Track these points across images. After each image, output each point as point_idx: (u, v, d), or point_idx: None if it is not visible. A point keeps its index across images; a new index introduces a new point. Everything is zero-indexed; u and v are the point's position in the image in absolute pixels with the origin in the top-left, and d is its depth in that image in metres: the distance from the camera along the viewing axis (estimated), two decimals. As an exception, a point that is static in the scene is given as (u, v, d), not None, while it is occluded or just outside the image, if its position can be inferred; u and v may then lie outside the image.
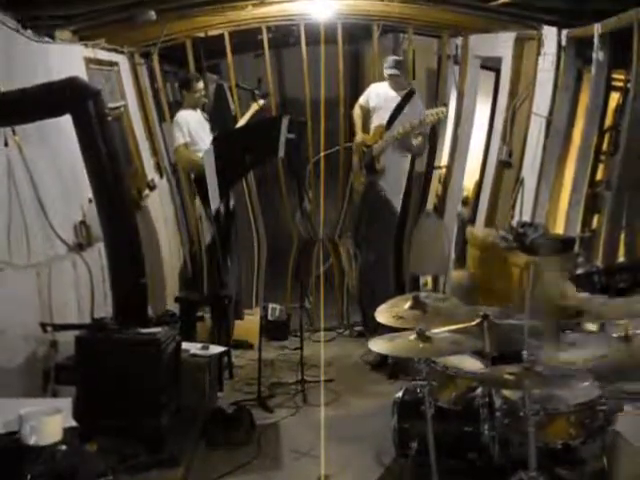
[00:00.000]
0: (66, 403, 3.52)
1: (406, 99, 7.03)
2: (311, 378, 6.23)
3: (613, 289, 4.50)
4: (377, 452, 4.73)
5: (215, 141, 6.04)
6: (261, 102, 7.18)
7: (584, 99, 5.84)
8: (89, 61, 5.88)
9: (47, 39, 5.00)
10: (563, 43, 5.81)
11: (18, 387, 4.08)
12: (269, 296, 8.13)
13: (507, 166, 6.80)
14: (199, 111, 7.05)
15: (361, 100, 7.35)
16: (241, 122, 7.26)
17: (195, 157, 6.66)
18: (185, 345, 5.14)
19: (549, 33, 5.96)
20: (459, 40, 7.84)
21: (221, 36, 7.28)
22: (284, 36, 7.80)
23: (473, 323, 3.96)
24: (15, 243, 4.21)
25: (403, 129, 6.87)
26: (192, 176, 7.10)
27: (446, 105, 7.60)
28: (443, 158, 8.45)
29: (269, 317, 7.86)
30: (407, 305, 4.16)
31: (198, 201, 7.15)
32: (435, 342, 3.78)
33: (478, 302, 5.96)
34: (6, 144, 4.19)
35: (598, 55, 5.33)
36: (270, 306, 7.94)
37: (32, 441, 2.97)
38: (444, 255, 7.21)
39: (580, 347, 3.97)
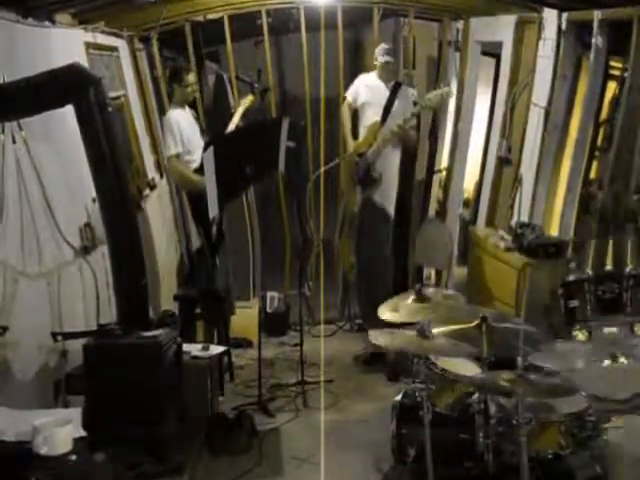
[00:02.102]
0: (76, 413, 3.79)
1: (395, 91, 6.95)
2: (311, 379, 6.45)
3: (600, 299, 4.78)
4: (376, 459, 4.97)
5: (213, 146, 5.64)
6: (250, 97, 7.08)
7: (582, 88, 6.06)
8: (89, 46, 6.01)
9: (47, 23, 5.13)
10: (563, 27, 5.99)
11: (31, 398, 4.29)
12: (267, 283, 8.27)
13: (506, 163, 7.00)
14: (187, 109, 6.93)
15: (349, 97, 7.26)
16: (234, 119, 7.13)
17: (188, 172, 6.62)
18: (185, 347, 5.25)
19: (549, 16, 6.14)
20: (460, 24, 8.01)
21: (220, 20, 7.40)
22: (283, 21, 7.88)
23: (472, 325, 4.17)
24: (28, 251, 4.41)
25: (404, 120, 6.70)
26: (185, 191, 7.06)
27: (449, 84, 7.52)
28: (443, 159, 8.63)
29: (268, 309, 7.97)
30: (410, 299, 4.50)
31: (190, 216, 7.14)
32: (435, 342, 4.03)
33: (478, 300, 6.38)
34: (14, 141, 4.33)
35: (597, 41, 5.52)
36: (268, 295, 8.04)
37: (44, 451, 3.24)
38: (447, 252, 7.30)
39: (570, 357, 4.37)
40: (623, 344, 4.50)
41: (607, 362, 4.32)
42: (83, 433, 3.59)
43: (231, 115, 7.35)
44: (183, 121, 6.71)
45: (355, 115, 7.33)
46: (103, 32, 6.38)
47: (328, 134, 7.72)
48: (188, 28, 7.48)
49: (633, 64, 5.10)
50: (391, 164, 7.04)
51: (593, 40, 5.56)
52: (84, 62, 5.60)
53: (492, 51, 7.87)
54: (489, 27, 7.54)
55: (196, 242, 7.20)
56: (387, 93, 6.95)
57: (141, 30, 7.38)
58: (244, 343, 7.52)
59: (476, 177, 8.58)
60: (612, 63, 5.74)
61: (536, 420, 3.97)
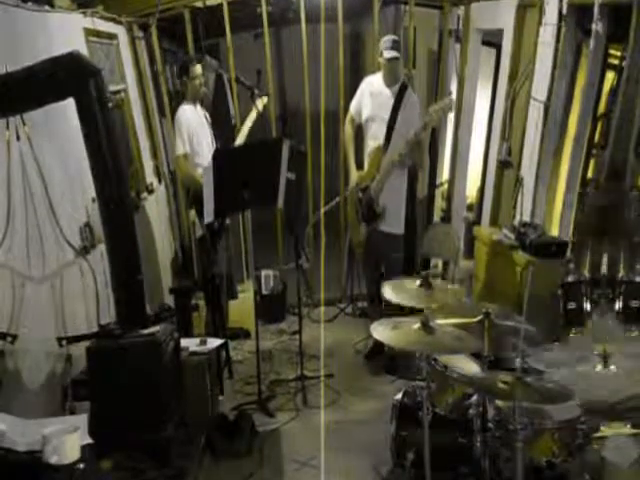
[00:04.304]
0: (82, 420, 3.90)
1: (400, 97, 6.67)
2: (311, 373, 6.56)
3: (596, 303, 5.00)
4: (375, 462, 5.10)
5: (213, 161, 5.78)
6: (260, 107, 7.02)
7: (581, 79, 6.20)
8: (88, 32, 6.07)
9: (47, 7, 5.16)
10: (564, 11, 6.11)
11: (40, 406, 4.37)
12: (260, 260, 8.19)
13: (507, 166, 7.18)
14: (199, 107, 6.96)
15: (352, 109, 7.04)
16: (243, 131, 7.12)
17: (194, 173, 6.64)
18: (183, 342, 5.29)
19: (551, 0, 6.29)
20: (461, 10, 8.10)
21: (220, 9, 7.46)
22: (283, 11, 7.96)
23: (474, 320, 4.28)
24: (33, 254, 4.47)
25: (406, 144, 6.43)
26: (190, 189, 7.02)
27: (451, 93, 7.45)
28: (444, 169, 8.75)
29: (263, 290, 8.05)
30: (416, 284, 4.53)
31: (193, 211, 7.18)
32: (438, 335, 4.02)
33: (483, 295, 6.60)
34: (18, 138, 4.37)
35: (597, 26, 5.62)
36: (263, 274, 8.13)
37: (54, 460, 3.35)
38: (454, 247, 7.50)
39: (565, 360, 4.60)
40: (614, 351, 4.65)
41: (599, 367, 4.54)
42: (90, 440, 3.70)
43: (233, 127, 7.45)
44: (194, 121, 6.82)
45: (360, 128, 7.08)
46: (102, 17, 6.45)
47: (329, 142, 7.84)
48: (187, 15, 7.56)
49: (632, 51, 5.25)
50: (397, 191, 6.83)
51: (593, 26, 5.66)
52: (84, 50, 5.70)
53: (493, 40, 8.04)
54: (490, 13, 7.66)
55: (198, 231, 7.30)
56: (392, 101, 6.69)
57: (140, 16, 7.44)
58: (241, 333, 7.62)
59: (478, 183, 8.81)
60: (611, 51, 5.91)
61: (531, 426, 4.08)
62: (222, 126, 7.53)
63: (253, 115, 7.12)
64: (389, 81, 6.77)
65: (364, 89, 6.98)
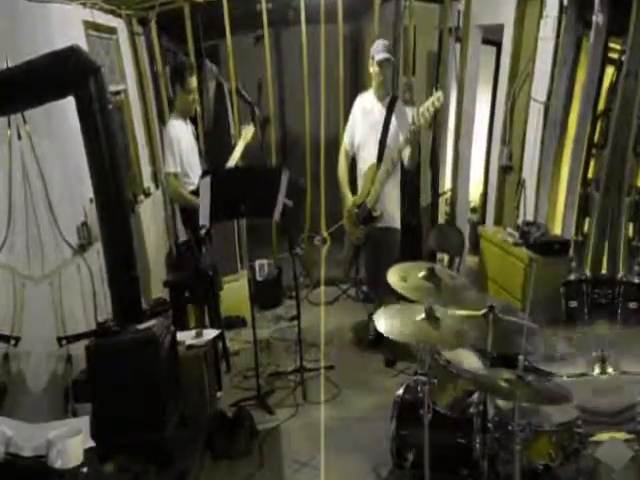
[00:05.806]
0: (84, 422, 3.87)
1: (390, 110, 6.60)
2: (310, 364, 6.52)
3: (596, 302, 5.01)
4: (375, 462, 5.10)
5: (211, 177, 5.62)
6: (251, 129, 6.99)
7: (581, 76, 6.19)
8: (88, 25, 5.99)
9: None
10: (565, 2, 6.09)
11: (44, 409, 4.34)
12: (254, 253, 8.24)
13: (508, 170, 7.24)
14: (189, 124, 6.75)
15: (346, 139, 6.99)
16: (235, 154, 7.02)
17: (184, 191, 6.55)
18: (179, 335, 5.20)
19: None
20: (461, 5, 8.01)
21: (220, 5, 7.39)
22: (283, 9, 7.93)
23: (479, 313, 4.23)
24: (32, 254, 4.43)
25: (397, 152, 6.48)
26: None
27: (441, 88, 7.30)
28: (446, 177, 8.75)
29: (258, 277, 8.00)
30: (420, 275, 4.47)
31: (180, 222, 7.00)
32: (442, 328, 3.99)
33: (487, 290, 6.64)
34: (19, 137, 4.32)
35: (598, 18, 5.61)
36: (257, 263, 8.09)
37: (58, 465, 3.34)
38: (459, 243, 7.52)
39: (565, 362, 4.58)
40: (612, 353, 4.62)
41: (597, 371, 4.50)
42: (92, 443, 3.70)
43: (232, 146, 7.25)
44: (184, 139, 6.59)
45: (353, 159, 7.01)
46: (101, 9, 6.38)
47: (329, 167, 7.67)
48: (187, 9, 7.48)
49: (631, 44, 5.23)
50: (391, 194, 6.79)
51: (594, 17, 5.64)
52: (83, 44, 5.62)
53: (493, 38, 7.98)
54: (490, 7, 7.60)
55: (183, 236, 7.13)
56: (383, 117, 6.63)
57: (140, 9, 7.36)
58: (237, 322, 7.61)
59: (480, 188, 8.94)
60: (611, 45, 5.86)
61: (530, 428, 4.07)
62: (220, 145, 7.48)
63: (249, 133, 7.04)
64: (380, 94, 6.70)
65: (356, 110, 6.93)
